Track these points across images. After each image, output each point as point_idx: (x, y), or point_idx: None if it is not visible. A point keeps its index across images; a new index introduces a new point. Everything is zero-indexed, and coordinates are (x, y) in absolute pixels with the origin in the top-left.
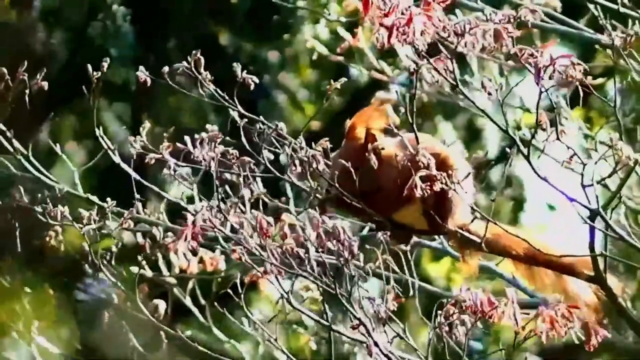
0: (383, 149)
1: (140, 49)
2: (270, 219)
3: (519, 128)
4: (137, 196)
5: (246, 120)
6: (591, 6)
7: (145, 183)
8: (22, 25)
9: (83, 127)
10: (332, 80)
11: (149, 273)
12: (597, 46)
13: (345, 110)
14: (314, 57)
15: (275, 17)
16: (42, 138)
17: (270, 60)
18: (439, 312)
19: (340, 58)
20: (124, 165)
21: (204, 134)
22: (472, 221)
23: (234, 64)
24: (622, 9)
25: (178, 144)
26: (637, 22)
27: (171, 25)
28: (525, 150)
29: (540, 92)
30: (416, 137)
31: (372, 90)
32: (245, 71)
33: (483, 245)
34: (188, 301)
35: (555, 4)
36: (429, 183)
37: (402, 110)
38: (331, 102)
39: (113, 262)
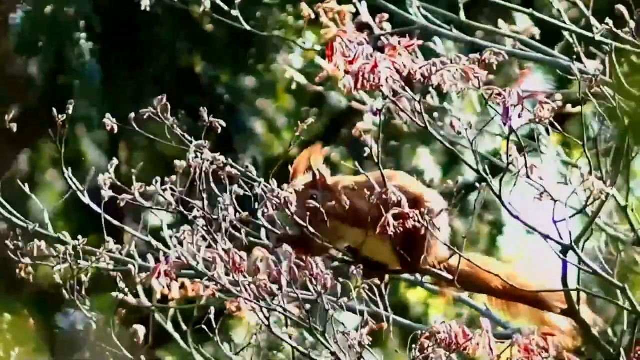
0: (354, 189)
1: (112, 82)
2: (244, 254)
3: (497, 155)
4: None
5: (212, 163)
6: (566, 33)
7: (116, 223)
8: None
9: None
10: (310, 107)
11: (130, 300)
12: (569, 76)
13: (324, 135)
14: (293, 86)
15: (252, 48)
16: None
17: (247, 88)
18: (414, 345)
19: (320, 88)
20: (93, 206)
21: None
22: (450, 257)
23: (201, 109)
24: (597, 37)
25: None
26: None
27: (147, 55)
28: (497, 189)
29: (511, 131)
30: (383, 178)
31: (351, 115)
32: (212, 115)
33: (456, 282)
34: (169, 327)
35: (534, 32)
36: (401, 220)
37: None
38: (310, 128)
39: (84, 294)
